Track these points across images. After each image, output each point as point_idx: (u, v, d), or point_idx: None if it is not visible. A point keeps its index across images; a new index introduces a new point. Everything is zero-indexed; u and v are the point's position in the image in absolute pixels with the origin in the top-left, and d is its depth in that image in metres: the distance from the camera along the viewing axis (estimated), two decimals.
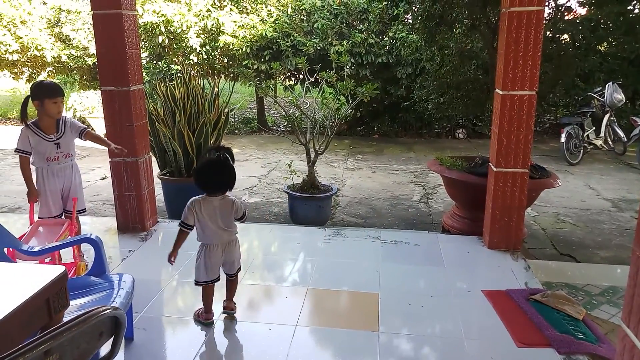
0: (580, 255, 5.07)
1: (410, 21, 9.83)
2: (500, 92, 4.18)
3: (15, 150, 3.83)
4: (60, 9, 11.54)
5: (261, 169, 8.50)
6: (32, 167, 3.92)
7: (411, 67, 10.07)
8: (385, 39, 10.36)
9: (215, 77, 11.38)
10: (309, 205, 5.55)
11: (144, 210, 4.90)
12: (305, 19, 10.74)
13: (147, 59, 11.21)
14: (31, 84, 4.05)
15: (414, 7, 9.13)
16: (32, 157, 3.84)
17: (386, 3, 10.34)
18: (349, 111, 6.33)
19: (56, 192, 3.97)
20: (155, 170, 5.44)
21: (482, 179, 4.67)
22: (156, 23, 9.97)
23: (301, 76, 10.55)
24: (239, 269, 3.37)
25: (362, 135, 11.67)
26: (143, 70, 5.93)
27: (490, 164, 4.50)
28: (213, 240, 3.15)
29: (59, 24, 11.59)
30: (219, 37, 10.43)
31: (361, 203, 6.72)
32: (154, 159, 5.45)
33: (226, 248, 3.22)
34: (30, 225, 3.80)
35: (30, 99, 3.76)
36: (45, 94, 3.70)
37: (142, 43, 10.59)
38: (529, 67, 4.04)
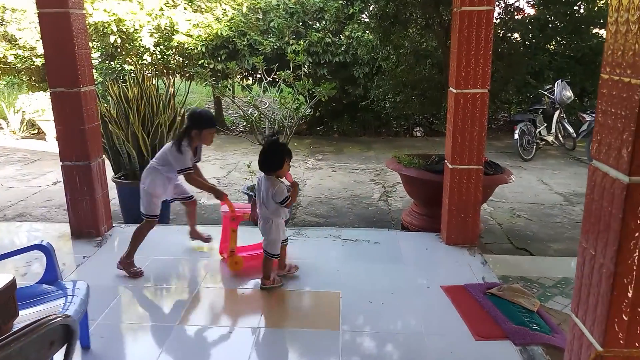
0: (535, 249, 5.22)
1: (367, 20, 9.90)
2: (454, 91, 4.26)
3: (184, 169, 3.92)
4: (4, 7, 11.07)
5: (220, 170, 8.40)
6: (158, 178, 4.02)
7: (368, 66, 10.15)
8: (342, 38, 10.40)
9: (170, 77, 11.17)
10: None
11: (98, 215, 4.76)
12: (261, 17, 10.67)
13: (99, 59, 10.89)
14: (188, 112, 4.15)
15: (369, 6, 9.19)
16: (165, 165, 3.96)
17: (342, 2, 10.37)
18: (308, 111, 6.33)
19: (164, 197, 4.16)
20: (109, 173, 5.28)
21: (439, 176, 4.75)
22: (107, 22, 9.69)
23: (258, 76, 10.47)
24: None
25: (322, 134, 11.69)
26: (95, 70, 5.75)
27: (445, 161, 4.58)
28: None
29: (4, 22, 11.11)
30: (173, 36, 10.24)
31: (322, 202, 6.72)
32: (107, 161, 5.29)
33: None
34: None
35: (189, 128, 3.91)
36: (206, 125, 3.91)
37: (93, 43, 10.29)
38: (481, 66, 4.13)
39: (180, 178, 4.14)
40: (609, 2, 1.89)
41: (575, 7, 10.43)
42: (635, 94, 1.71)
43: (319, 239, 4.81)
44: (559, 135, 9.65)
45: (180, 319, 3.38)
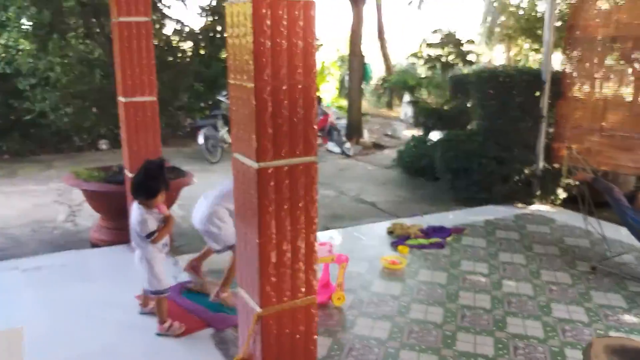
0: None
1: (24, 27, 8.96)
2: (123, 100, 4.28)
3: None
4: None
5: None
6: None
7: (33, 77, 9.18)
8: None
9: None
10: None
11: None
12: None
13: None
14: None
15: (26, 13, 8.35)
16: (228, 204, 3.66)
17: None
18: None
19: None
20: None
21: (122, 186, 4.70)
22: None
23: None
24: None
25: None
26: None
27: (125, 170, 4.56)
28: None
29: None
30: None
31: None
32: None
33: None
34: None
35: None
36: None
37: None
38: (146, 74, 4.25)
39: None
40: (226, 19, 2.21)
41: None
42: (251, 95, 2.06)
43: None
44: None
45: None
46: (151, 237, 3.23)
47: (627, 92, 5.64)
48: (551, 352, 3.27)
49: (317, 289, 3.92)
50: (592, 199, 4.69)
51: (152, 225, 3.23)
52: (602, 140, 5.76)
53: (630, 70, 5.62)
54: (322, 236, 5.29)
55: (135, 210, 3.28)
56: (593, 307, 3.86)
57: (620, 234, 5.18)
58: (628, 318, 3.71)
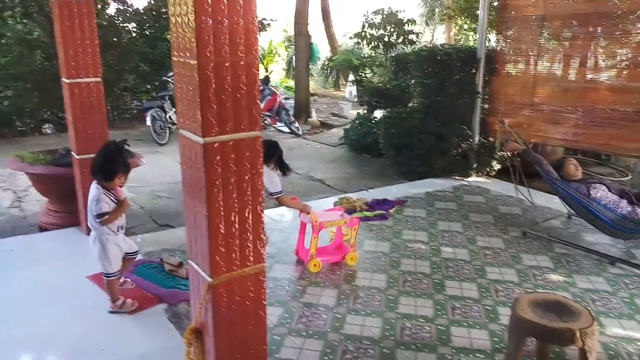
0: (178, 222, 5.64)
1: None
2: (67, 81, 4.24)
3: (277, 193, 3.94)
4: None
5: None
6: None
7: None
8: None
9: None
10: None
11: None
12: None
13: None
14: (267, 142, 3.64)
15: None
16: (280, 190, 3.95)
17: None
18: None
19: None
20: None
21: (70, 169, 4.67)
22: None
23: None
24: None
25: None
26: None
27: (72, 152, 4.54)
28: None
29: None
30: None
31: None
32: None
33: None
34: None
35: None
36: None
37: None
38: (90, 55, 4.22)
39: None
40: None
41: None
42: (194, 72, 2.16)
43: None
44: None
45: None
46: (101, 217, 3.24)
47: (556, 68, 6.01)
48: (485, 310, 3.56)
49: (332, 250, 4.32)
50: (523, 170, 5.03)
51: (105, 207, 3.24)
52: (532, 114, 6.14)
53: (559, 47, 5.99)
54: (273, 213, 5.46)
55: (92, 189, 3.30)
56: (523, 268, 4.19)
57: (548, 201, 5.58)
58: (554, 277, 4.06)
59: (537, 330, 2.73)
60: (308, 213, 4.16)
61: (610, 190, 4.46)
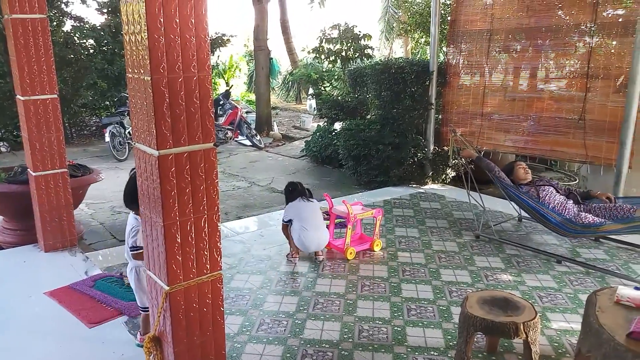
0: None
1: None
2: (22, 98, 4.23)
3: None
4: None
5: None
6: None
7: None
8: None
9: None
10: None
11: None
12: None
13: None
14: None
15: None
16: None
17: None
18: None
19: None
20: None
21: (25, 186, 4.63)
22: None
23: None
24: None
25: None
26: None
27: (28, 169, 4.51)
28: None
29: None
30: None
31: None
32: None
33: None
34: None
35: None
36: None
37: None
38: (45, 72, 4.22)
39: None
40: (122, 17, 2.36)
41: None
42: (147, 87, 2.24)
43: None
44: None
45: None
46: (135, 250, 3.06)
47: (507, 80, 6.31)
48: (439, 310, 3.71)
49: (356, 240, 4.90)
50: (477, 177, 5.25)
51: (142, 241, 2.91)
52: (483, 123, 6.41)
53: (506, 59, 6.29)
54: (236, 225, 5.52)
55: (130, 220, 3.13)
56: (476, 269, 4.38)
57: (500, 205, 5.84)
58: (505, 277, 4.25)
59: (484, 325, 2.88)
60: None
61: (557, 191, 4.72)
